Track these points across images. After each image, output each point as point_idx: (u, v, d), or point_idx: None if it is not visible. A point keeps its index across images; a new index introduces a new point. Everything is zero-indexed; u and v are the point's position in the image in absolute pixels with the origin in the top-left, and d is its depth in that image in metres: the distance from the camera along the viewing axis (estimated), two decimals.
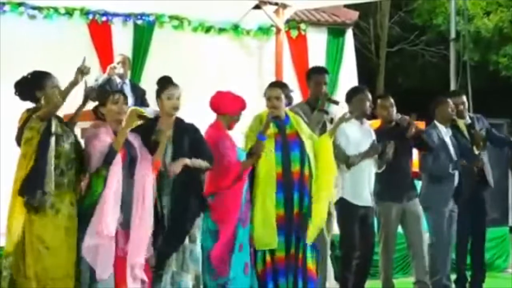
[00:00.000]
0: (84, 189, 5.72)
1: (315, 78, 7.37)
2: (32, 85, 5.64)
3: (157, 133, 5.93)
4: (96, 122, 5.86)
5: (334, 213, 7.24)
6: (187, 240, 5.99)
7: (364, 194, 7.17)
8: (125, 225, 5.70)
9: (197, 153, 6.05)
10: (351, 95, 7.40)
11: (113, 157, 5.60)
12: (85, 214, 5.61)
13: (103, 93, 6.09)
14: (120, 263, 5.66)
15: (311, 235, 6.48)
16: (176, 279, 5.95)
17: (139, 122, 5.91)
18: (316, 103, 7.19)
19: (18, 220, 5.44)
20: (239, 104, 6.45)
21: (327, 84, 7.43)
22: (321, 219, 6.57)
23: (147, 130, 5.96)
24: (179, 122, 6.15)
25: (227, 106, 6.42)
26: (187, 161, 5.96)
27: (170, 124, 6.08)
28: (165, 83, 6.16)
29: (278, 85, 6.85)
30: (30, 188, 5.40)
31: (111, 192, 5.57)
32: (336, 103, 7.28)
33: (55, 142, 5.51)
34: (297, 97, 11.35)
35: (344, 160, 7.01)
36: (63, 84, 5.72)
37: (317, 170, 6.55)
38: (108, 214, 5.53)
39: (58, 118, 5.71)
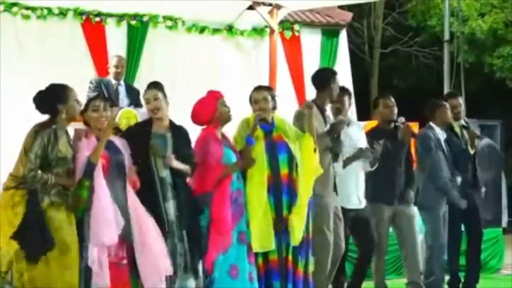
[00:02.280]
0: (72, 198, 5.62)
1: (336, 81, 7.08)
2: (55, 98, 5.56)
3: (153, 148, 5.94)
4: (78, 130, 5.80)
5: None
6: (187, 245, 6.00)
7: (352, 197, 7.16)
8: (121, 231, 5.66)
9: (184, 157, 6.07)
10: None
11: (91, 170, 5.56)
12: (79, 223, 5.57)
13: (86, 101, 6.05)
14: (114, 270, 5.62)
15: (297, 236, 6.46)
16: (182, 283, 5.94)
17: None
18: (324, 106, 7.03)
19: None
20: (208, 107, 6.35)
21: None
22: (302, 221, 6.52)
23: (143, 132, 6.00)
24: (173, 125, 6.18)
25: (200, 117, 6.37)
26: (175, 162, 5.98)
27: (165, 128, 6.09)
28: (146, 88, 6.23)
29: (265, 88, 6.79)
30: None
31: (102, 204, 5.53)
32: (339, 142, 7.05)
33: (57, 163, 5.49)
34: (291, 98, 11.45)
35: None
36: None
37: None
38: (105, 224, 5.50)
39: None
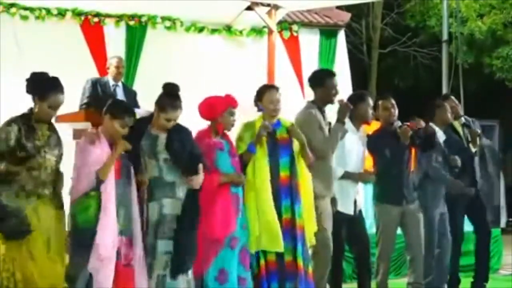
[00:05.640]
0: (75, 204, 5.60)
1: (328, 83, 7.02)
2: (36, 90, 5.51)
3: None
4: (89, 133, 5.75)
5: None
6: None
7: (349, 203, 7.14)
8: (126, 232, 5.70)
9: (190, 158, 5.96)
10: (355, 101, 7.35)
11: (98, 185, 5.53)
12: (79, 232, 5.53)
13: (119, 107, 5.87)
14: (123, 272, 5.64)
15: (309, 238, 6.50)
16: (167, 281, 5.86)
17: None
18: (323, 106, 6.99)
19: None
20: (217, 108, 6.29)
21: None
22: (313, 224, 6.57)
23: (139, 132, 5.90)
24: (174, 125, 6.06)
25: (204, 112, 6.34)
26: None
27: (164, 128, 6.00)
28: (170, 100, 5.94)
29: (276, 88, 6.70)
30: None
31: (109, 218, 5.54)
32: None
33: (36, 152, 5.43)
34: (299, 98, 11.43)
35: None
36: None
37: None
38: (107, 239, 5.51)
39: (50, 124, 5.65)
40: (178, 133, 5.99)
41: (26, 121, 5.46)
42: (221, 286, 6.12)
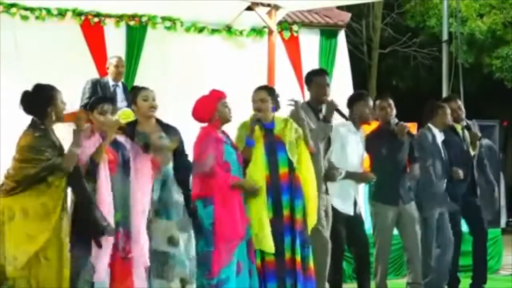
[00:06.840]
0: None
1: (316, 80, 7.10)
2: (44, 101, 5.54)
3: (148, 139, 5.99)
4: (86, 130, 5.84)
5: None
6: (166, 248, 6.01)
7: (347, 202, 7.17)
8: (124, 224, 5.73)
9: (179, 160, 6.19)
10: (353, 101, 7.38)
11: (94, 168, 5.61)
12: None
13: (95, 100, 6.12)
14: (120, 264, 5.68)
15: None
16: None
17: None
18: (318, 106, 7.02)
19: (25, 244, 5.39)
20: (208, 106, 6.37)
21: (329, 85, 7.15)
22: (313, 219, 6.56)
23: (128, 132, 6.03)
24: (162, 123, 6.26)
25: (200, 115, 6.40)
26: None
27: (153, 126, 6.14)
28: (137, 88, 6.33)
29: (264, 88, 6.76)
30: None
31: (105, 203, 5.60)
32: (345, 117, 7.13)
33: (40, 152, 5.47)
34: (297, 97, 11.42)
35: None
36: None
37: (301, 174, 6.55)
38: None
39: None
40: (169, 130, 6.24)
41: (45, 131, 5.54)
42: (237, 278, 6.17)
